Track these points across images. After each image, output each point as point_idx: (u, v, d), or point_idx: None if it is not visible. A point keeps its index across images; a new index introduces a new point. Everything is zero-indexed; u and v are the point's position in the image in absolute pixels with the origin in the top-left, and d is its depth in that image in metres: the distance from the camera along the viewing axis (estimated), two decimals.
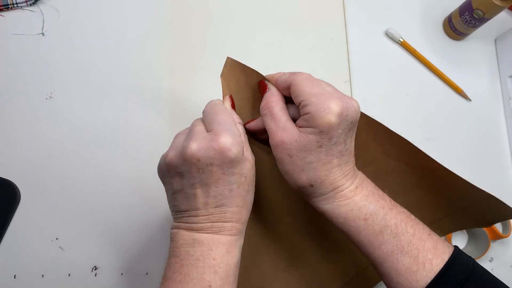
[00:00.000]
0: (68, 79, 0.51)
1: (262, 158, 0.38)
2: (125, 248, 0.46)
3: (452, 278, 0.31)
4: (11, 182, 0.46)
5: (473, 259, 0.34)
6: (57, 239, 0.45)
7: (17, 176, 0.46)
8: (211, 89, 0.43)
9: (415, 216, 0.36)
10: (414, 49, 0.60)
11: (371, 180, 0.36)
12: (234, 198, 0.33)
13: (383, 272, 0.33)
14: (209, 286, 0.31)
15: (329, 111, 0.31)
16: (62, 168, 0.47)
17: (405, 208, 0.36)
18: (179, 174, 0.33)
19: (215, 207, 0.33)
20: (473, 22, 0.57)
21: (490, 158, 0.58)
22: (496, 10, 0.54)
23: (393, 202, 0.35)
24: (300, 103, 0.32)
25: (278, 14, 0.59)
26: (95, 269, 0.45)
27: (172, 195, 0.34)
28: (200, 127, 0.33)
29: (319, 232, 0.45)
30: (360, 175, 0.35)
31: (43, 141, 0.48)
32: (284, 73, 0.35)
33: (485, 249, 0.50)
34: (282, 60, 0.56)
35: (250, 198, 0.34)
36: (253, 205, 0.36)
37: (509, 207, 0.40)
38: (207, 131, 0.33)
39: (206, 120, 0.34)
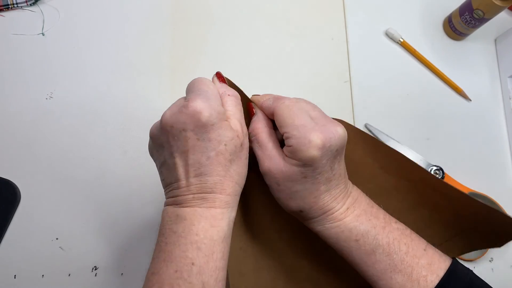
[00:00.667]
0: (68, 79, 0.51)
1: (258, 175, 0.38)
2: (125, 248, 0.46)
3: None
4: (11, 182, 0.46)
5: (471, 271, 0.34)
6: (57, 239, 0.45)
7: (17, 176, 0.46)
8: None
9: (423, 235, 0.36)
10: (414, 49, 0.60)
11: (372, 198, 0.36)
12: (214, 166, 0.31)
13: None
14: (192, 263, 0.30)
15: (310, 145, 0.30)
16: (62, 168, 0.47)
17: (412, 227, 0.36)
18: (159, 145, 0.33)
19: (195, 177, 0.32)
20: (473, 22, 0.57)
21: (490, 158, 0.58)
22: (496, 10, 0.54)
23: (387, 218, 0.34)
24: (283, 134, 0.32)
25: (278, 14, 0.59)
26: (95, 269, 0.45)
27: (159, 169, 0.34)
28: (180, 100, 0.33)
29: (317, 249, 0.44)
30: (354, 193, 0.35)
31: (43, 141, 0.48)
32: (269, 98, 0.35)
33: (484, 251, 0.50)
34: (282, 60, 0.56)
35: (235, 169, 0.33)
36: (249, 220, 0.36)
37: None
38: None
39: (186, 92, 0.33)
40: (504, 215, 0.37)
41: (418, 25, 0.63)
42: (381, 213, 0.35)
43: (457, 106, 0.59)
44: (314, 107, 0.34)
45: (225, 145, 0.32)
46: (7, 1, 0.52)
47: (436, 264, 0.33)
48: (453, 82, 0.60)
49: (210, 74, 0.38)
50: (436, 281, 0.32)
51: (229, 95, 0.34)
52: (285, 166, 0.32)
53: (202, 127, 0.31)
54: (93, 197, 0.47)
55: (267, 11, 0.58)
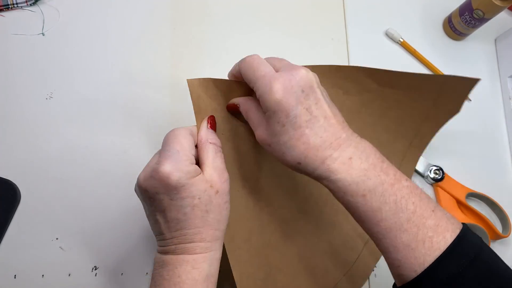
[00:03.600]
0: (68, 79, 0.51)
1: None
2: (125, 248, 0.46)
3: (453, 261, 0.30)
4: (11, 182, 0.46)
5: (481, 239, 0.33)
6: (57, 239, 0.45)
7: (17, 176, 0.46)
8: None
9: (398, 134, 0.37)
10: (414, 49, 0.60)
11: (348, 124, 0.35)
12: (191, 220, 0.34)
13: (382, 248, 0.33)
14: None
15: (272, 90, 0.32)
16: (62, 168, 0.48)
17: (387, 133, 0.37)
18: (142, 200, 0.36)
19: (175, 231, 0.34)
20: (473, 22, 0.57)
21: (490, 158, 0.58)
22: (496, 10, 0.54)
23: (398, 175, 0.33)
24: (252, 87, 0.34)
25: (278, 14, 0.59)
26: (95, 269, 0.45)
27: (148, 219, 0.37)
28: (154, 158, 0.35)
29: (314, 208, 0.47)
30: (361, 145, 0.34)
31: (43, 141, 0.48)
32: (236, 64, 0.37)
33: None
34: None
35: (213, 217, 0.35)
36: (248, 184, 0.39)
37: (467, 78, 0.41)
38: None
39: (162, 145, 0.35)
40: (456, 77, 0.41)
41: (418, 25, 0.63)
42: (392, 170, 0.33)
43: None
44: (281, 60, 0.35)
45: (199, 198, 0.34)
46: (7, 1, 0.52)
47: (443, 226, 0.32)
48: None
49: (209, 74, 0.38)
50: (442, 243, 0.31)
51: (210, 142, 0.36)
52: (266, 124, 0.34)
53: (173, 190, 0.33)
54: (93, 197, 0.47)
55: (267, 11, 0.58)
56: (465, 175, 0.55)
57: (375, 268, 0.49)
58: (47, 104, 0.50)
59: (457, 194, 0.52)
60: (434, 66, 0.60)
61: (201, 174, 0.35)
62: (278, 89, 0.32)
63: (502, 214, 0.52)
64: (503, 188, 0.56)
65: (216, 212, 0.35)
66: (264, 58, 0.36)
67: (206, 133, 0.36)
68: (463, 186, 0.53)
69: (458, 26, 0.60)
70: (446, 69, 0.60)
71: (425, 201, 0.33)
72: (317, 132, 0.32)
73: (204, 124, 0.37)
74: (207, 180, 0.35)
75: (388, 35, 0.61)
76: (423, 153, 0.54)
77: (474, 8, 0.56)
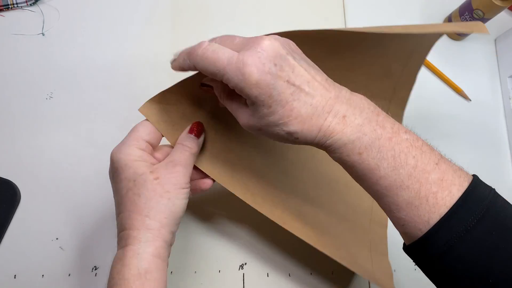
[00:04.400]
0: (68, 79, 0.51)
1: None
2: None
3: (460, 218, 0.28)
4: (11, 182, 0.46)
5: (494, 191, 0.30)
6: (57, 239, 0.45)
7: (17, 176, 0.46)
8: None
9: (377, 88, 0.36)
10: None
11: None
12: (125, 203, 0.33)
13: (384, 207, 0.31)
14: None
15: (244, 77, 0.29)
16: (62, 168, 0.48)
17: (364, 89, 0.33)
18: None
19: (117, 216, 0.35)
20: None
21: (490, 158, 0.58)
22: (496, 10, 0.54)
23: (395, 128, 0.30)
24: (219, 79, 0.30)
25: (278, 14, 0.59)
26: (95, 269, 0.45)
27: None
28: None
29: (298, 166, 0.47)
30: (353, 99, 0.31)
31: (43, 141, 0.48)
32: (184, 57, 0.33)
33: None
34: None
35: (144, 202, 0.33)
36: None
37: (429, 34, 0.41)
38: None
39: None
40: (423, 26, 0.41)
41: None
42: (389, 123, 0.31)
43: (456, 106, 0.59)
44: (231, 37, 0.32)
45: (134, 181, 0.33)
46: (7, 1, 0.52)
47: (449, 179, 0.29)
48: (453, 82, 0.60)
49: None
50: (448, 199, 0.28)
51: (183, 144, 0.36)
52: (250, 111, 0.31)
53: (115, 171, 0.34)
54: (93, 197, 0.47)
55: (267, 11, 0.58)
56: None
57: None
58: (47, 104, 0.50)
59: None
60: (434, 66, 0.60)
61: (148, 162, 0.34)
62: (250, 72, 0.28)
63: None
64: (503, 187, 0.56)
65: (149, 197, 0.33)
66: (208, 41, 0.32)
67: (182, 137, 0.37)
68: None
69: None
70: (446, 69, 0.60)
71: (428, 154, 0.30)
72: (305, 101, 0.30)
73: (186, 130, 0.37)
74: (149, 167, 0.34)
75: None
76: None
77: (474, 8, 0.56)
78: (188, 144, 0.36)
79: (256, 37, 0.30)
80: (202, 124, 0.38)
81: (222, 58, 0.29)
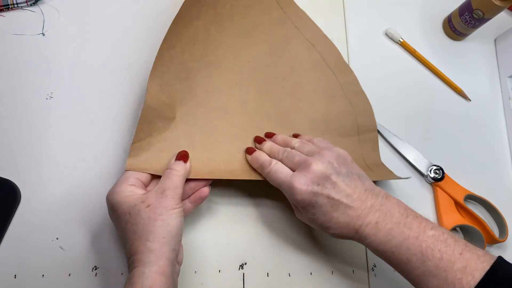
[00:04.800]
0: (68, 79, 0.51)
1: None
2: None
3: None
4: (12, 182, 0.46)
5: None
6: (57, 239, 0.45)
7: (17, 176, 0.46)
8: None
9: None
10: (414, 49, 0.60)
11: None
12: (127, 235, 0.38)
13: None
14: None
15: (292, 193, 0.39)
16: (62, 168, 0.48)
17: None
18: None
19: (124, 249, 0.39)
20: (473, 22, 0.57)
21: (490, 158, 0.58)
22: (496, 10, 0.54)
23: (422, 227, 0.37)
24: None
25: None
26: (96, 269, 0.45)
27: None
28: None
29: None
30: (386, 206, 0.39)
31: (44, 141, 0.48)
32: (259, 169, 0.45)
33: None
34: None
35: (142, 229, 0.37)
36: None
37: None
38: None
39: None
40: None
41: (418, 25, 0.63)
42: (416, 223, 0.38)
43: (456, 106, 0.59)
44: (294, 156, 0.42)
45: (129, 213, 0.38)
46: (7, 1, 0.52)
47: (472, 266, 0.34)
48: (453, 82, 0.60)
49: None
50: (472, 283, 0.33)
51: (170, 168, 0.41)
52: (301, 214, 0.42)
53: (112, 209, 0.39)
54: (93, 197, 0.47)
55: None
56: (464, 175, 0.55)
57: (374, 268, 0.49)
58: (47, 104, 0.50)
59: (455, 195, 0.52)
60: (434, 66, 0.60)
61: (139, 194, 0.39)
62: (297, 190, 0.39)
63: (500, 219, 0.52)
64: (503, 187, 0.57)
65: (145, 224, 0.37)
66: (279, 140, 0.47)
67: (171, 163, 0.42)
68: (462, 188, 0.53)
69: (458, 26, 0.60)
70: (446, 69, 0.60)
71: (452, 247, 0.36)
72: (343, 212, 0.38)
73: (174, 157, 0.42)
74: (141, 197, 0.38)
75: (388, 35, 0.61)
76: (423, 154, 0.54)
77: (474, 8, 0.56)
78: (175, 168, 0.41)
79: (307, 161, 0.40)
80: (187, 151, 0.43)
81: (281, 177, 0.41)
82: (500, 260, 0.35)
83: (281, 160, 0.43)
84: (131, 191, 0.39)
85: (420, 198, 0.54)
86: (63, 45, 0.52)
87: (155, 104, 0.45)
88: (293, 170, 0.41)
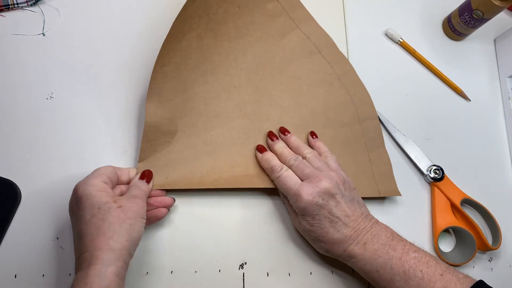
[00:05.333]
0: (68, 79, 0.51)
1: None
2: None
3: None
4: (12, 182, 0.46)
5: None
6: (57, 238, 0.45)
7: (17, 176, 0.46)
8: None
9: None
10: (414, 49, 0.60)
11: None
12: (88, 229, 0.37)
13: None
14: None
15: (297, 201, 0.42)
16: (62, 168, 0.48)
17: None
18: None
19: (77, 242, 0.38)
20: (472, 22, 0.57)
21: (490, 158, 0.58)
22: (496, 10, 0.55)
23: (406, 249, 0.40)
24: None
25: None
26: None
27: None
28: None
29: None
30: (374, 229, 0.42)
31: (44, 141, 0.48)
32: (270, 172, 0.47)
33: (470, 256, 0.50)
34: None
35: (108, 225, 0.36)
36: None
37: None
38: None
39: None
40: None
41: (418, 26, 0.63)
42: (400, 245, 0.41)
43: (456, 106, 0.60)
44: (304, 167, 0.44)
45: (98, 208, 0.37)
46: (8, 1, 0.52)
47: (452, 287, 0.37)
48: (453, 82, 0.60)
49: None
50: None
51: (137, 186, 0.42)
52: (299, 223, 0.44)
53: (79, 200, 0.38)
54: None
55: None
56: (464, 175, 0.55)
57: None
58: (47, 104, 0.50)
59: (453, 198, 0.52)
60: (434, 66, 0.60)
61: (110, 193, 0.39)
62: (303, 199, 0.41)
63: (494, 226, 0.51)
64: (502, 187, 0.57)
65: (113, 222, 0.37)
66: (292, 142, 0.48)
67: (136, 181, 0.43)
68: (460, 191, 0.53)
69: (458, 26, 0.60)
70: (446, 69, 0.60)
71: (433, 268, 0.39)
72: (339, 230, 0.41)
73: (138, 176, 0.44)
74: (113, 197, 0.39)
75: (388, 35, 0.61)
76: (425, 153, 0.54)
77: (473, 8, 0.56)
78: (141, 186, 0.42)
79: (319, 176, 0.42)
80: (151, 171, 0.45)
81: (289, 184, 0.43)
82: (480, 283, 0.37)
83: (290, 167, 0.45)
84: (104, 188, 0.39)
85: (417, 196, 0.54)
86: (63, 45, 0.52)
87: (156, 121, 0.46)
88: (301, 179, 0.43)
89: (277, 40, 0.54)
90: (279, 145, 0.48)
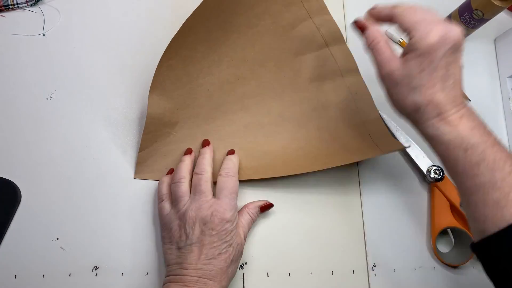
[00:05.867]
0: (68, 79, 0.51)
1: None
2: (126, 248, 0.46)
3: None
4: (12, 182, 0.46)
5: None
6: (57, 239, 0.45)
7: (17, 176, 0.46)
8: None
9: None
10: None
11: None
12: (220, 261, 0.40)
13: (470, 204, 0.35)
14: None
15: (430, 33, 0.34)
16: (62, 168, 0.48)
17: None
18: (171, 229, 0.42)
19: (204, 264, 0.39)
20: (472, 22, 0.57)
21: None
22: (496, 10, 0.55)
23: (497, 140, 0.35)
24: (405, 31, 0.36)
25: None
26: (96, 269, 0.45)
27: (167, 249, 0.42)
28: (206, 196, 0.43)
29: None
30: (470, 109, 0.37)
31: (44, 141, 0.48)
32: (384, 7, 0.39)
33: (468, 257, 0.49)
34: None
35: (233, 269, 0.41)
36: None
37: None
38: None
39: (219, 189, 0.44)
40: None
41: None
42: (494, 135, 0.36)
43: None
44: (432, 12, 0.36)
45: (233, 247, 0.41)
46: (8, 2, 0.52)
47: None
48: None
49: None
50: None
51: (248, 213, 0.45)
52: (404, 63, 0.36)
53: (222, 226, 0.40)
54: (93, 196, 0.47)
55: None
56: None
57: (374, 268, 0.49)
58: (47, 104, 0.50)
59: (452, 198, 0.52)
60: None
61: (238, 228, 0.43)
62: (435, 34, 0.34)
63: None
64: None
65: (235, 266, 0.42)
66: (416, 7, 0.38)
67: (248, 207, 0.47)
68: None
69: None
70: None
71: None
72: (445, 88, 0.35)
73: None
74: (241, 238, 0.43)
75: (388, 35, 0.61)
76: (425, 152, 0.54)
77: (473, 8, 0.56)
78: (252, 216, 0.47)
79: (448, 23, 0.35)
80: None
81: (422, 14, 0.35)
82: None
83: None
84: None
85: (416, 196, 0.54)
86: (63, 45, 0.52)
87: (158, 113, 0.46)
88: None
89: (287, 30, 0.53)
90: None
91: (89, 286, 0.44)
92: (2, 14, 0.52)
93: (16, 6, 0.52)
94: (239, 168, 0.47)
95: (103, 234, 0.46)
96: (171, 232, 0.42)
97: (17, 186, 0.46)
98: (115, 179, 0.48)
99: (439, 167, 0.53)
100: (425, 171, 0.53)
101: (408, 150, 0.54)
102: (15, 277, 0.43)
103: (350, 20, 0.60)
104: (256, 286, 0.46)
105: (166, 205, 0.44)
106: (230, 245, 0.40)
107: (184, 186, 0.43)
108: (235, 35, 0.50)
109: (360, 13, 0.61)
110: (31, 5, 0.53)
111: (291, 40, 0.53)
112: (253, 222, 0.46)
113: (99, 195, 0.47)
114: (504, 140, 0.59)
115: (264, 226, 0.49)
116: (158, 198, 0.46)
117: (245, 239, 0.44)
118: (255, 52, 0.51)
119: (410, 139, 0.55)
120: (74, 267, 0.45)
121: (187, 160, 0.46)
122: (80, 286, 0.44)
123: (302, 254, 0.48)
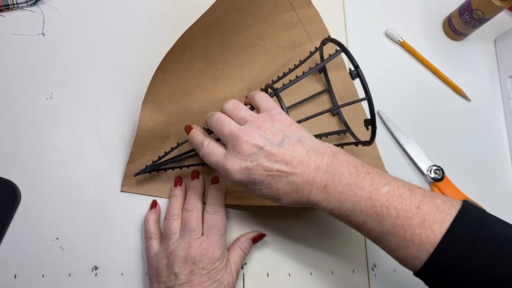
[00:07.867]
0: (68, 79, 0.51)
1: None
2: (125, 248, 0.46)
3: (444, 254, 0.32)
4: (12, 182, 0.46)
5: (479, 217, 0.33)
6: (57, 239, 0.45)
7: (17, 176, 0.46)
8: None
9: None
10: (414, 50, 0.60)
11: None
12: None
13: (382, 248, 0.36)
14: None
15: (229, 176, 0.36)
16: (62, 168, 0.48)
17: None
18: (160, 271, 0.42)
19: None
20: (472, 22, 0.57)
21: (490, 158, 0.58)
22: (496, 10, 0.55)
23: (374, 184, 0.34)
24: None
25: None
26: (96, 269, 0.45)
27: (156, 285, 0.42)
28: (193, 235, 0.42)
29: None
30: (333, 166, 0.35)
31: (44, 141, 0.48)
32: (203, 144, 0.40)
33: None
34: None
35: None
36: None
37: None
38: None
39: (206, 228, 0.43)
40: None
41: (418, 26, 0.63)
42: (368, 181, 0.34)
43: (456, 106, 0.60)
44: (223, 127, 0.38)
45: (224, 286, 0.40)
46: (7, 1, 0.52)
47: (430, 219, 0.32)
48: (453, 82, 0.60)
49: None
50: (432, 237, 0.32)
51: (240, 248, 0.44)
52: (251, 193, 0.38)
53: (212, 264, 0.40)
54: (93, 197, 0.47)
55: None
56: (464, 175, 0.55)
57: (374, 268, 0.49)
58: (47, 104, 0.50)
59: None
60: (434, 66, 0.60)
61: (229, 265, 0.43)
62: (232, 173, 0.36)
63: None
64: (502, 187, 0.57)
65: None
66: (208, 116, 0.41)
67: (240, 240, 0.46)
68: (460, 192, 0.53)
69: (458, 26, 0.60)
70: (446, 69, 0.60)
71: (408, 201, 0.33)
72: (287, 181, 0.35)
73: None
74: (233, 276, 0.42)
75: (388, 35, 0.61)
76: (425, 152, 0.54)
77: (473, 8, 0.56)
78: (245, 250, 0.46)
79: (237, 137, 0.36)
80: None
81: (213, 159, 0.38)
82: (462, 208, 0.33)
83: (214, 135, 0.40)
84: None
85: None
86: (63, 45, 0.52)
87: (149, 126, 0.45)
88: (224, 143, 0.38)
89: (286, 53, 0.53)
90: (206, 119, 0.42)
91: (89, 286, 0.44)
92: (2, 14, 0.52)
93: (16, 6, 0.52)
94: (226, 192, 0.47)
95: (103, 234, 0.46)
96: (158, 270, 0.41)
97: (17, 186, 0.46)
98: (114, 179, 0.48)
99: (439, 167, 0.53)
100: (425, 171, 0.54)
101: (408, 150, 0.54)
102: (15, 277, 0.43)
103: (350, 20, 0.60)
104: (256, 286, 0.46)
105: (154, 243, 0.43)
106: (221, 284, 0.40)
107: (177, 223, 0.43)
108: (233, 53, 0.50)
109: (360, 13, 0.61)
110: (30, 5, 0.53)
111: (290, 62, 0.53)
112: (245, 256, 0.45)
113: (98, 195, 0.47)
114: (504, 140, 0.59)
115: (264, 226, 0.49)
116: (145, 237, 0.45)
117: (237, 276, 0.43)
118: (253, 72, 0.51)
119: (410, 139, 0.55)
120: (73, 267, 0.45)
121: (180, 196, 0.46)
122: (80, 286, 0.44)
123: (302, 254, 0.48)
